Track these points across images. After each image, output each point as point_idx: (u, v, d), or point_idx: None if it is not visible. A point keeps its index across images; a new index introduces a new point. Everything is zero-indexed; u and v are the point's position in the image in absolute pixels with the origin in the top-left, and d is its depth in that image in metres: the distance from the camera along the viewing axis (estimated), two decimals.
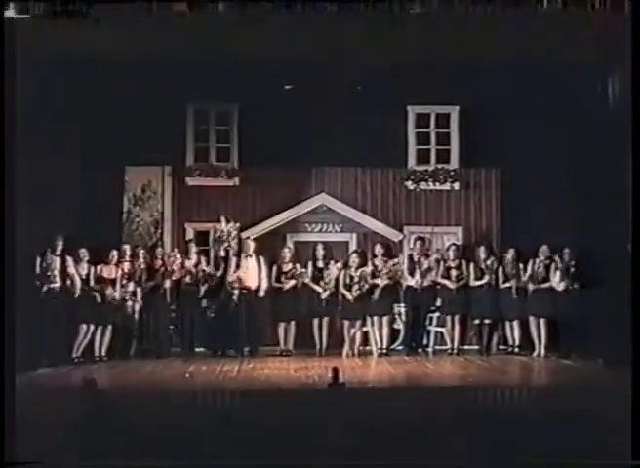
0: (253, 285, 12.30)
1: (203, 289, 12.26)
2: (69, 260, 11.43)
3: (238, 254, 12.58)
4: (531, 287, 11.99)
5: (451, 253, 12.51)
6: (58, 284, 11.25)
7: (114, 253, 11.96)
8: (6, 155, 7.96)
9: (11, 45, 8.38)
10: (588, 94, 12.02)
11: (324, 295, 12.31)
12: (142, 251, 12.56)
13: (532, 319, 12.00)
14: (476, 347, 12.43)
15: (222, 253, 12.60)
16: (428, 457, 6.58)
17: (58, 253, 11.32)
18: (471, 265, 12.32)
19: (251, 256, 12.43)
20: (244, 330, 12.25)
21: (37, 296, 11.02)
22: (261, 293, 12.34)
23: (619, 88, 11.07)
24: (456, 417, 7.32)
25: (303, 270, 12.42)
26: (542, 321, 11.90)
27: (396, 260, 12.42)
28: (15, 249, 8.05)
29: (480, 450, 6.68)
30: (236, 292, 12.21)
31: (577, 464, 6.54)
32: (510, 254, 12.16)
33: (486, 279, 12.13)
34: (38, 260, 11.12)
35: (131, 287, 11.89)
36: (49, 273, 11.13)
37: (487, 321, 12.20)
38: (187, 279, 12.28)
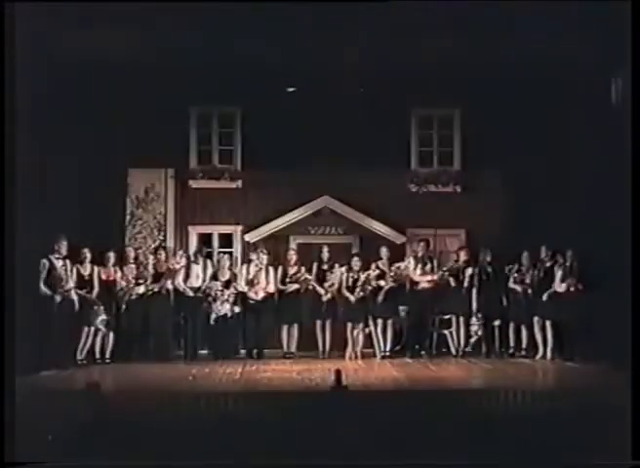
0: (260, 287, 12.32)
1: (208, 291, 12.26)
2: (75, 264, 11.43)
3: (245, 257, 12.67)
4: (533, 290, 11.99)
5: (457, 255, 12.53)
6: (66, 288, 11.23)
7: (113, 255, 11.98)
8: (7, 156, 7.96)
9: (12, 45, 8.38)
10: (589, 94, 12.03)
11: (326, 297, 12.31)
12: (146, 253, 12.61)
13: (537, 321, 11.96)
14: (481, 350, 12.36)
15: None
16: (429, 458, 6.57)
17: (62, 256, 11.30)
18: (475, 267, 12.31)
19: (259, 259, 12.45)
20: (250, 332, 12.29)
21: (41, 298, 11.01)
22: (269, 296, 12.36)
23: (619, 88, 11.08)
24: (457, 419, 7.32)
25: (309, 276, 12.42)
26: (548, 323, 11.86)
27: (403, 264, 12.44)
28: (15, 251, 8.04)
29: (481, 451, 6.66)
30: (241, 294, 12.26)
31: (577, 464, 6.52)
32: (514, 257, 12.16)
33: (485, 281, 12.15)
34: (45, 265, 11.12)
35: (134, 289, 11.91)
36: (56, 279, 11.13)
37: (494, 323, 12.16)
38: (192, 281, 12.29)
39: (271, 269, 12.45)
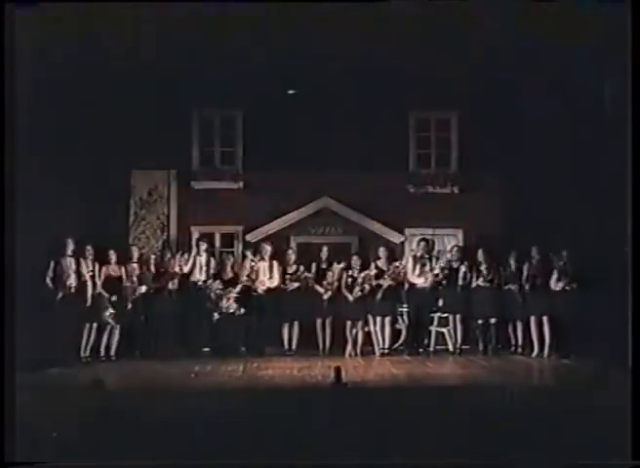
0: (263, 286, 12.49)
1: (209, 291, 12.41)
2: (80, 263, 11.59)
3: (246, 257, 12.81)
4: (529, 288, 12.14)
5: (454, 255, 12.68)
6: (72, 286, 11.40)
7: (118, 255, 12.15)
8: (7, 158, 8.04)
9: (12, 45, 8.45)
10: (587, 95, 12.08)
11: (326, 296, 12.48)
12: (149, 252, 12.79)
13: (533, 319, 12.09)
14: (478, 347, 12.49)
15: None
16: (429, 457, 6.63)
17: (69, 255, 11.47)
18: (472, 266, 12.45)
19: (264, 260, 12.61)
20: (253, 330, 12.43)
21: (46, 297, 11.16)
22: (271, 295, 12.51)
23: (618, 88, 11.12)
24: (456, 416, 7.40)
25: (308, 274, 12.57)
26: (545, 321, 11.99)
27: (401, 263, 12.60)
28: (15, 249, 8.10)
29: (480, 450, 6.73)
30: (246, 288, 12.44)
31: (577, 464, 6.57)
32: (511, 256, 12.30)
33: (481, 280, 12.31)
34: (52, 264, 11.29)
35: (137, 288, 12.07)
36: (63, 277, 11.30)
37: (490, 321, 12.27)
38: (195, 280, 12.45)
39: (275, 263, 12.60)
